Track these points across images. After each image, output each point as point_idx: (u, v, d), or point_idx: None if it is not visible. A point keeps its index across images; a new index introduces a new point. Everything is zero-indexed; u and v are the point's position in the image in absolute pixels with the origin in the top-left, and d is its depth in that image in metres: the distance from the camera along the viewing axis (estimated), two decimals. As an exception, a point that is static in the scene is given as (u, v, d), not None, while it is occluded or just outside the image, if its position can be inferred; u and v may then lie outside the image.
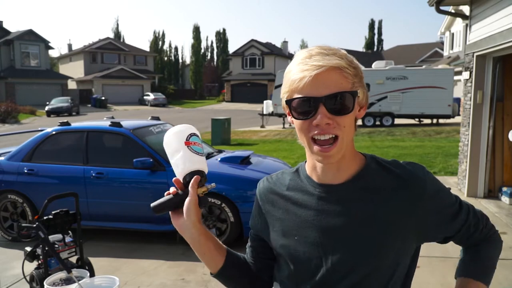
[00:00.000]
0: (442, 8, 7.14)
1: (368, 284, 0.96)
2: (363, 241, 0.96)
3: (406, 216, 0.96)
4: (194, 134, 1.10)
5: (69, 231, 3.00)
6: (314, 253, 0.99)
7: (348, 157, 1.00)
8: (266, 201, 1.11)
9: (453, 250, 4.66)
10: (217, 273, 1.13)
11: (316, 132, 0.91)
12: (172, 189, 1.05)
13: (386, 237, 0.95)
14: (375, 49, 53.17)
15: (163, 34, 62.45)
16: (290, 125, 19.41)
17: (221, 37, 62.41)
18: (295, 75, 0.92)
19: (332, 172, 1.00)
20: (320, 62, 0.89)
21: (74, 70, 47.16)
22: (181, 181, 1.06)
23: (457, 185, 7.43)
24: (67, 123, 5.58)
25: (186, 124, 1.15)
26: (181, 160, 1.06)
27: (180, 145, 1.07)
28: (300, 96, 0.91)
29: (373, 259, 0.95)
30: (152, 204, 1.05)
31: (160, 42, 60.68)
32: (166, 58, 61.03)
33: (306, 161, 1.08)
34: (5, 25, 42.45)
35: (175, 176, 1.08)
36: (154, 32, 66.28)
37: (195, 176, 1.03)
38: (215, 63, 62.62)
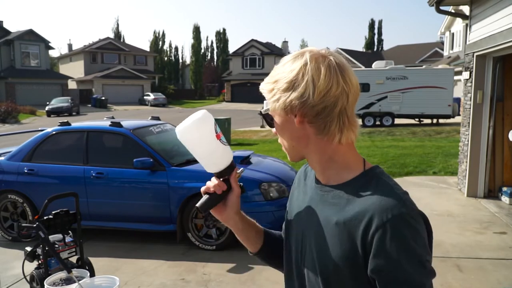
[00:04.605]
0: (442, 8, 7.15)
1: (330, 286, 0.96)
2: (324, 245, 0.96)
3: (356, 243, 0.90)
4: (215, 123, 1.07)
5: (69, 231, 3.00)
6: (298, 244, 1.06)
7: (322, 161, 1.00)
8: (294, 185, 1.20)
9: (453, 250, 4.67)
10: (256, 253, 1.22)
11: None
12: (211, 186, 1.08)
13: (338, 250, 0.93)
14: (375, 49, 53.11)
15: (163, 34, 62.49)
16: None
17: (221, 37, 62.40)
18: None
19: (317, 172, 1.05)
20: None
21: (74, 70, 47.17)
22: (217, 176, 1.08)
23: (457, 185, 7.43)
24: (67, 123, 5.59)
25: (199, 113, 1.04)
26: (217, 157, 1.06)
27: (211, 140, 1.04)
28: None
29: (330, 265, 0.95)
30: (197, 205, 1.07)
31: (160, 42, 60.70)
32: (166, 58, 61.03)
33: None
34: (5, 25, 42.41)
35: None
36: (154, 32, 66.31)
37: (235, 169, 1.08)
38: (215, 63, 62.62)
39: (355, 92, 0.96)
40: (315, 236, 0.99)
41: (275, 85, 0.97)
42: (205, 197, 1.08)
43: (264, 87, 1.00)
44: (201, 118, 1.02)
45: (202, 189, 1.09)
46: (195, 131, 1.03)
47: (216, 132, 1.04)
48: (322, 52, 0.95)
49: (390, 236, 0.85)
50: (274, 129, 1.04)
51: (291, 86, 0.94)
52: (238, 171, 1.10)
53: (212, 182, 1.08)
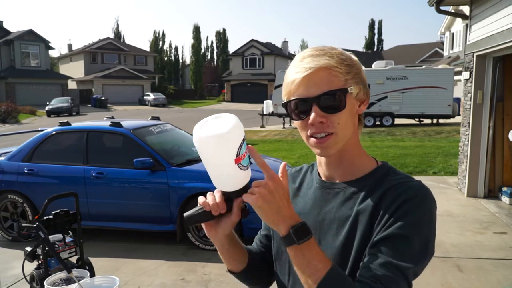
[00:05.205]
0: (442, 8, 7.14)
1: None
2: (332, 244, 0.96)
3: (373, 226, 0.93)
4: (243, 140, 0.87)
5: (69, 231, 2.99)
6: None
7: (350, 156, 1.02)
8: None
9: (453, 250, 4.67)
10: (236, 274, 1.14)
11: (312, 130, 0.96)
12: (209, 204, 0.92)
13: (350, 246, 0.94)
14: (375, 49, 53.15)
15: (163, 34, 62.55)
16: (290, 125, 19.41)
17: (221, 37, 62.41)
18: (288, 78, 0.97)
19: (333, 169, 1.04)
20: (309, 64, 0.93)
21: (74, 70, 47.16)
22: (222, 194, 0.92)
23: (457, 185, 7.42)
24: (67, 123, 5.59)
25: (230, 118, 0.88)
26: (226, 178, 0.89)
27: (228, 161, 0.85)
28: (294, 98, 0.96)
29: (360, 253, 0.95)
30: (185, 214, 0.94)
31: (160, 42, 60.72)
32: (166, 58, 61.04)
33: None
34: (5, 25, 42.45)
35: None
36: (154, 32, 66.38)
37: (243, 196, 0.88)
38: (215, 63, 62.62)
39: None
40: (335, 233, 0.98)
41: (352, 69, 0.96)
42: (197, 209, 0.93)
43: (335, 65, 0.93)
44: (226, 134, 0.83)
45: (200, 201, 0.94)
46: (213, 147, 0.84)
47: (238, 155, 0.85)
48: None
49: (406, 212, 0.89)
50: (312, 118, 0.93)
51: (363, 75, 1.00)
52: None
53: (212, 200, 0.92)
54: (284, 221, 0.86)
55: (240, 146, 0.86)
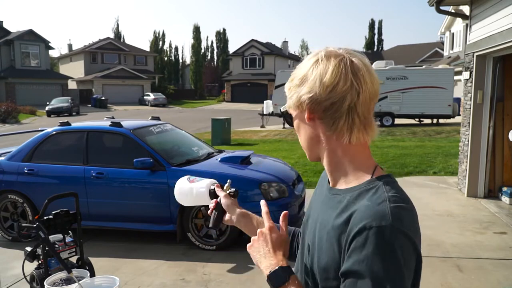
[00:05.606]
0: (442, 8, 7.15)
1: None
2: (319, 247, 0.96)
3: (340, 249, 0.89)
4: (191, 178, 1.43)
5: (70, 231, 3.00)
6: (307, 243, 1.05)
7: (332, 164, 1.00)
8: (317, 185, 1.21)
9: (453, 250, 4.67)
10: None
11: None
12: (212, 205, 1.32)
13: (328, 253, 0.93)
14: (375, 49, 53.15)
15: (163, 34, 62.49)
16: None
17: (221, 37, 62.43)
18: None
19: (327, 174, 1.05)
20: None
21: (74, 70, 47.17)
22: (211, 197, 1.35)
23: (457, 185, 7.43)
24: (67, 123, 5.59)
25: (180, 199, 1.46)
26: (198, 190, 1.38)
27: (186, 185, 1.41)
28: None
29: (320, 267, 0.95)
30: (210, 225, 1.37)
31: (160, 42, 60.74)
32: (166, 58, 61.05)
33: None
34: (5, 25, 42.43)
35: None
36: (154, 32, 66.39)
37: (214, 186, 1.36)
38: (215, 63, 62.64)
39: (370, 92, 0.93)
40: (317, 237, 0.98)
41: (291, 83, 1.00)
42: (212, 215, 1.31)
43: (285, 87, 1.03)
44: (178, 195, 1.44)
45: (209, 211, 1.34)
46: (179, 194, 1.44)
47: (190, 179, 1.42)
48: (338, 51, 0.96)
49: (360, 245, 0.82)
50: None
51: (302, 82, 0.96)
52: (225, 185, 1.34)
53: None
54: (264, 268, 1.01)
55: (188, 178, 1.43)
